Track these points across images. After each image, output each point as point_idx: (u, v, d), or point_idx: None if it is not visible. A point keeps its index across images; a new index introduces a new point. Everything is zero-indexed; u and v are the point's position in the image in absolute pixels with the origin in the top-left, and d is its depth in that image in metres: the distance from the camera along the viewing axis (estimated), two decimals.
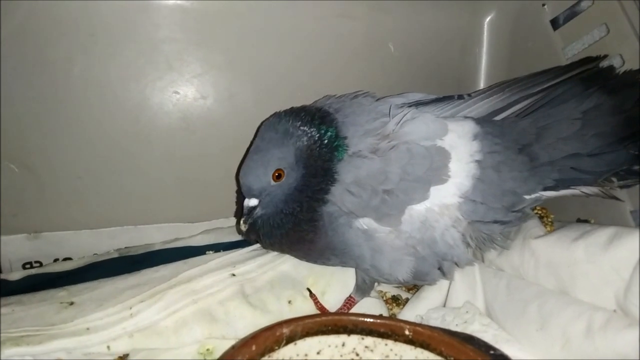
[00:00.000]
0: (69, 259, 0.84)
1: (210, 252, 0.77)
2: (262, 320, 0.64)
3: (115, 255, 0.81)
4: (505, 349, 0.55)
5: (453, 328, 0.61)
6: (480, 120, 0.67)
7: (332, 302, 0.71)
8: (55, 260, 0.84)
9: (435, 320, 0.65)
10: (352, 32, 0.90)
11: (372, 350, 0.53)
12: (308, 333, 0.52)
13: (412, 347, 0.52)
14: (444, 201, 0.62)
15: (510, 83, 0.70)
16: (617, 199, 0.69)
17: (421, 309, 0.69)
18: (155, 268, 0.72)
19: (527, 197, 0.65)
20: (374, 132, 0.64)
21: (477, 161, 0.63)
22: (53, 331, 0.58)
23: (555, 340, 0.56)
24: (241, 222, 0.64)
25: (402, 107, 0.67)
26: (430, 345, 0.51)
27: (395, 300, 0.75)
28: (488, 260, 0.68)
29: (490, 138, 0.64)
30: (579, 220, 0.77)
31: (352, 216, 0.63)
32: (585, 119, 0.64)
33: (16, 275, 0.76)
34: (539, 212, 0.73)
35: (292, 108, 0.68)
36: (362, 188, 0.62)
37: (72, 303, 0.64)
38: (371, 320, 0.53)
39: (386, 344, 0.53)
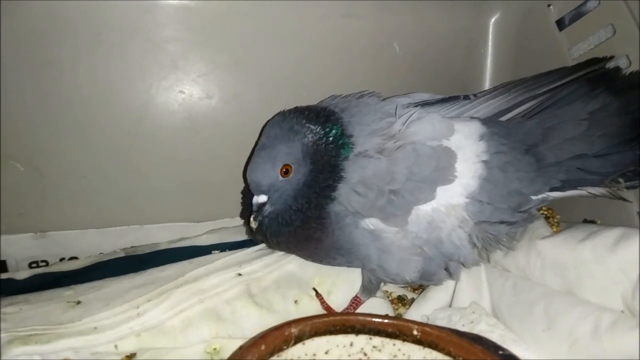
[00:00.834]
0: (75, 258, 0.84)
1: (216, 251, 0.77)
2: (269, 320, 0.64)
3: (122, 254, 0.81)
4: (512, 350, 0.54)
5: (460, 328, 0.61)
6: (486, 121, 0.67)
7: (338, 302, 0.71)
8: (62, 259, 0.84)
9: (442, 321, 0.65)
10: (357, 32, 0.90)
11: (380, 350, 0.53)
12: (316, 333, 0.52)
13: (421, 347, 0.52)
14: (451, 201, 0.62)
15: (516, 84, 0.70)
16: (624, 199, 0.69)
17: (427, 309, 0.69)
18: (161, 267, 0.72)
19: (533, 197, 0.65)
20: (380, 132, 0.64)
21: (484, 161, 0.63)
22: (61, 330, 0.58)
23: (562, 340, 0.56)
24: (251, 219, 0.63)
25: (408, 107, 0.67)
26: (439, 346, 0.51)
27: (401, 301, 0.75)
28: (494, 261, 0.68)
29: (497, 138, 0.64)
30: (585, 221, 0.77)
31: (358, 216, 0.63)
32: (592, 119, 0.64)
33: (23, 274, 0.76)
34: (545, 212, 0.73)
35: (296, 107, 0.68)
36: (368, 188, 0.61)
37: (78, 302, 0.64)
38: (379, 320, 0.53)
39: (394, 344, 0.53)
